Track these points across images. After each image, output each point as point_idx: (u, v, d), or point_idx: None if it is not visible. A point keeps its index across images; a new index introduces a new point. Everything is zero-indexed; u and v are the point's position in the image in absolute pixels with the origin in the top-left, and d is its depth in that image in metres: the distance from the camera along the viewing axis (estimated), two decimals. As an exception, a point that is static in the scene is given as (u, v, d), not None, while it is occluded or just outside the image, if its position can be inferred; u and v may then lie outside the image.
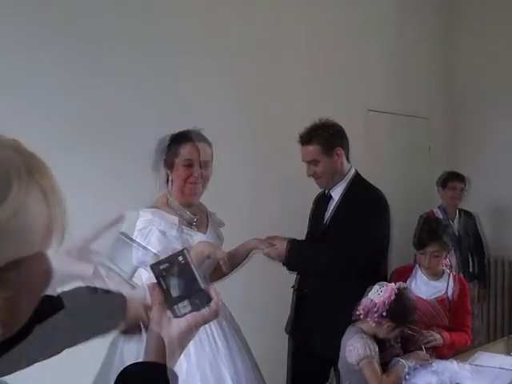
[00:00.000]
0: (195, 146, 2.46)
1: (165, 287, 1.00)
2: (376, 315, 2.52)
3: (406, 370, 2.49)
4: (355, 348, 2.50)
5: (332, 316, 2.75)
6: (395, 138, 5.37)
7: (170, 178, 2.49)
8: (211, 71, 3.88)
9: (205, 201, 2.68)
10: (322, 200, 3.16)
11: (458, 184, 4.93)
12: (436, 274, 3.12)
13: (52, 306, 1.07)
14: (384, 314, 2.52)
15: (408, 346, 2.79)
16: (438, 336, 2.87)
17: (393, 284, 2.60)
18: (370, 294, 2.59)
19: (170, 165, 2.47)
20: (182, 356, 2.22)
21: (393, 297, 2.53)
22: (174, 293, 1.00)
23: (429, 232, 3.14)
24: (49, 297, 1.05)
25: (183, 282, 1.00)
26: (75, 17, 3.24)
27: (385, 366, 2.58)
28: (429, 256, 3.06)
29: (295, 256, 2.83)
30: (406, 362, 2.53)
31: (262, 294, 4.04)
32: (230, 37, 4.01)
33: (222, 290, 2.69)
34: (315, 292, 2.99)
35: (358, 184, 3.03)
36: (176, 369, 2.19)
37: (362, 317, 2.57)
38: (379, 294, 2.56)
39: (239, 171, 4.01)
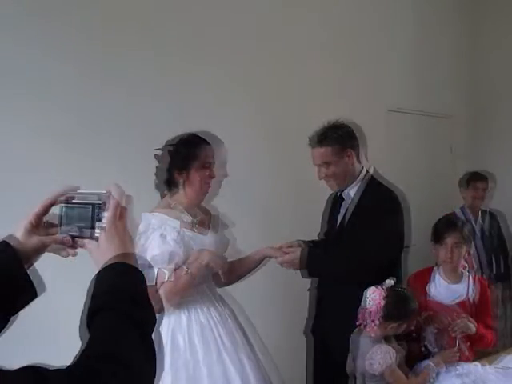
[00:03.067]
0: (211, 148, 2.55)
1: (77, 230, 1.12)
2: (374, 324, 2.49)
3: (435, 375, 2.46)
4: (376, 361, 2.45)
5: (348, 318, 2.73)
6: (416, 137, 5.33)
7: (180, 180, 2.51)
8: (227, 71, 3.89)
9: (219, 202, 2.69)
10: (335, 201, 3.14)
11: (481, 184, 4.88)
12: (455, 276, 3.01)
13: (26, 296, 1.08)
14: (382, 318, 2.48)
15: (441, 339, 2.75)
16: (470, 324, 2.78)
17: (379, 286, 2.53)
18: (362, 302, 2.55)
19: (184, 168, 2.50)
20: (188, 354, 2.26)
21: (382, 301, 2.48)
22: (85, 223, 1.11)
23: (447, 223, 3.08)
24: (23, 287, 1.06)
25: (80, 216, 1.12)
26: (87, 14, 3.28)
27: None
28: (450, 248, 2.94)
29: (310, 264, 2.83)
30: (435, 364, 2.50)
31: (279, 295, 4.03)
32: (246, 37, 4.01)
33: (240, 291, 2.72)
34: (332, 294, 2.97)
35: (371, 185, 3.00)
36: (182, 366, 2.22)
37: (362, 327, 2.55)
38: (369, 301, 2.51)
39: (255, 173, 4.02)
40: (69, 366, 0.88)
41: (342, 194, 3.04)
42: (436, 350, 2.72)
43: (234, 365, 2.38)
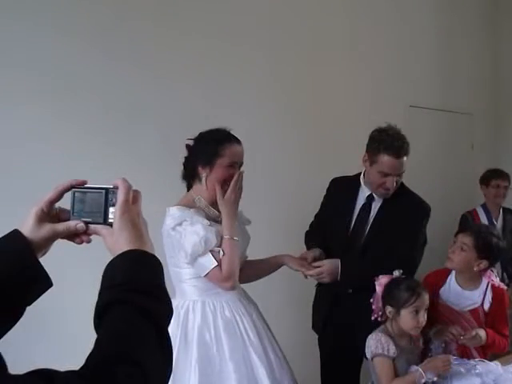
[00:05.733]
0: (238, 147, 2.49)
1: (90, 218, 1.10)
2: (379, 310, 2.59)
3: (423, 380, 2.40)
4: (369, 345, 2.52)
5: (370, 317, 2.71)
6: (437, 134, 5.28)
7: (203, 175, 2.47)
8: (254, 70, 3.92)
9: (249, 201, 2.66)
10: (353, 196, 3.08)
11: (502, 182, 4.82)
12: (470, 283, 2.88)
13: (40, 287, 1.05)
14: (388, 304, 2.57)
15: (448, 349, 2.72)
16: (482, 333, 2.69)
17: (386, 276, 2.62)
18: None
19: (208, 164, 2.46)
20: (214, 349, 2.30)
21: (383, 287, 2.59)
22: (98, 208, 1.09)
23: (469, 226, 3.04)
24: (36, 276, 1.03)
25: (93, 202, 1.10)
26: (123, 15, 3.32)
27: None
28: (455, 247, 2.86)
29: (351, 275, 2.85)
30: (424, 371, 2.42)
31: (294, 293, 4.00)
32: (272, 36, 4.02)
33: (254, 289, 2.70)
34: (354, 293, 2.94)
35: (400, 187, 2.99)
36: (209, 361, 2.21)
37: (375, 315, 2.62)
38: (377, 288, 2.62)
39: (280, 173, 4.03)
40: (80, 368, 0.84)
41: (374, 195, 3.01)
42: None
43: (261, 359, 2.38)
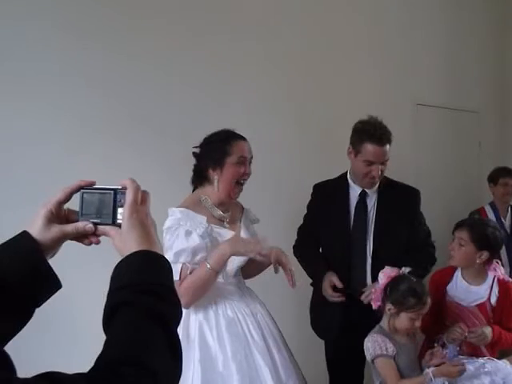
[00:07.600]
0: (244, 143, 2.49)
1: (99, 219, 1.10)
2: (377, 300, 2.61)
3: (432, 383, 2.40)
4: (367, 348, 2.53)
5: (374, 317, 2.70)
6: (444, 132, 5.25)
7: (215, 177, 2.46)
8: (256, 70, 3.91)
9: (245, 198, 2.65)
10: (341, 195, 3.10)
11: (510, 180, 4.81)
12: (477, 278, 2.88)
13: (49, 288, 1.04)
14: (384, 297, 2.58)
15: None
16: (488, 331, 2.68)
17: (394, 269, 2.63)
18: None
19: (218, 164, 2.45)
20: (217, 350, 2.27)
21: (387, 279, 2.59)
22: (107, 209, 1.09)
23: (465, 219, 3.08)
24: (45, 278, 1.03)
25: (101, 202, 1.10)
26: (126, 15, 3.33)
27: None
28: (453, 243, 2.88)
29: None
30: (434, 375, 2.41)
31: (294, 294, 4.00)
32: (275, 34, 4.01)
33: (255, 289, 2.69)
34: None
35: (385, 178, 3.05)
36: (211, 362, 2.20)
37: (373, 304, 2.64)
38: (381, 279, 2.63)
39: (282, 170, 4.01)
40: (89, 370, 0.84)
41: (366, 190, 3.03)
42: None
43: (264, 359, 2.35)
